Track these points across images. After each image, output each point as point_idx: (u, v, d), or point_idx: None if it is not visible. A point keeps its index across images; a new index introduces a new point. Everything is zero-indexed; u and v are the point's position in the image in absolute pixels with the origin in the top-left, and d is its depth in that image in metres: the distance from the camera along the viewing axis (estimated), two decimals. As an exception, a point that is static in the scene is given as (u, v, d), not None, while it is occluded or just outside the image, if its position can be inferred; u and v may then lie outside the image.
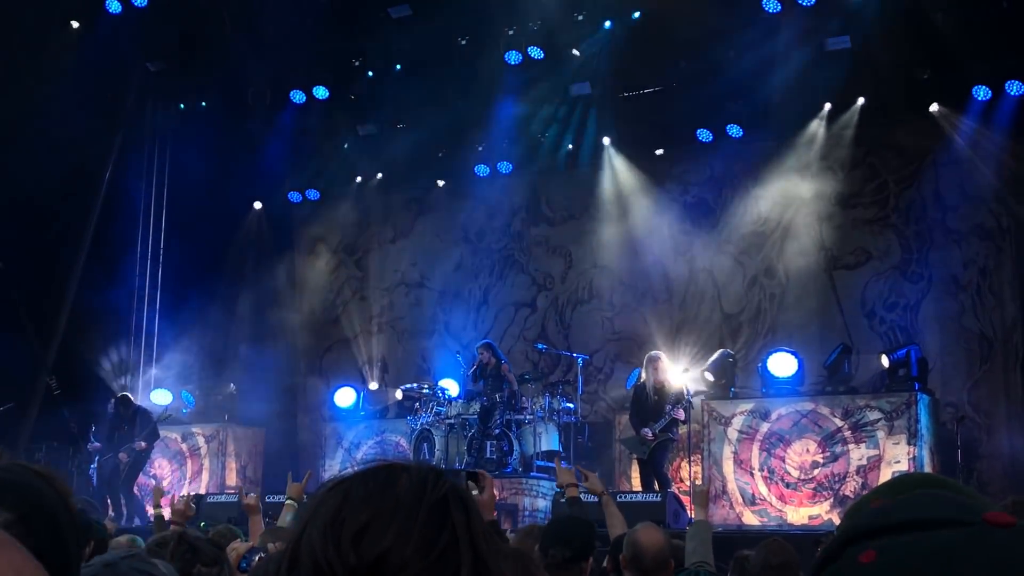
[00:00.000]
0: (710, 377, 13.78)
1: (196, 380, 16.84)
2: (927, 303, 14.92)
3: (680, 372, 13.51)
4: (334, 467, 15.21)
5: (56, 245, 16.21)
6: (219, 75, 16.47)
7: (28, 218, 15.29)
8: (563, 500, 7.39)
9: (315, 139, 17.56)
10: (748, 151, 15.93)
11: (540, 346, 15.88)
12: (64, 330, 16.47)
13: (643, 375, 12.71)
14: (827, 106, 15.31)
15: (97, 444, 14.50)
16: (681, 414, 12.44)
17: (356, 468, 1.39)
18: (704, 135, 15.83)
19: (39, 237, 15.61)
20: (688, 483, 13.25)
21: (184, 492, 14.57)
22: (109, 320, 17.12)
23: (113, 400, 15.07)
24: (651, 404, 12.44)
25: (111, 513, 13.38)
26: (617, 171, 16.77)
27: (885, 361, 13.52)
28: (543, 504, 12.80)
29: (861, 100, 15.11)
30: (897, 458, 12.33)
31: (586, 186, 17.07)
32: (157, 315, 17.53)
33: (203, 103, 17.31)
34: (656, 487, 12.07)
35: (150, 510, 10.89)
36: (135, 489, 14.63)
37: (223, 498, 13.29)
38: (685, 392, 12.74)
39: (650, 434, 12.19)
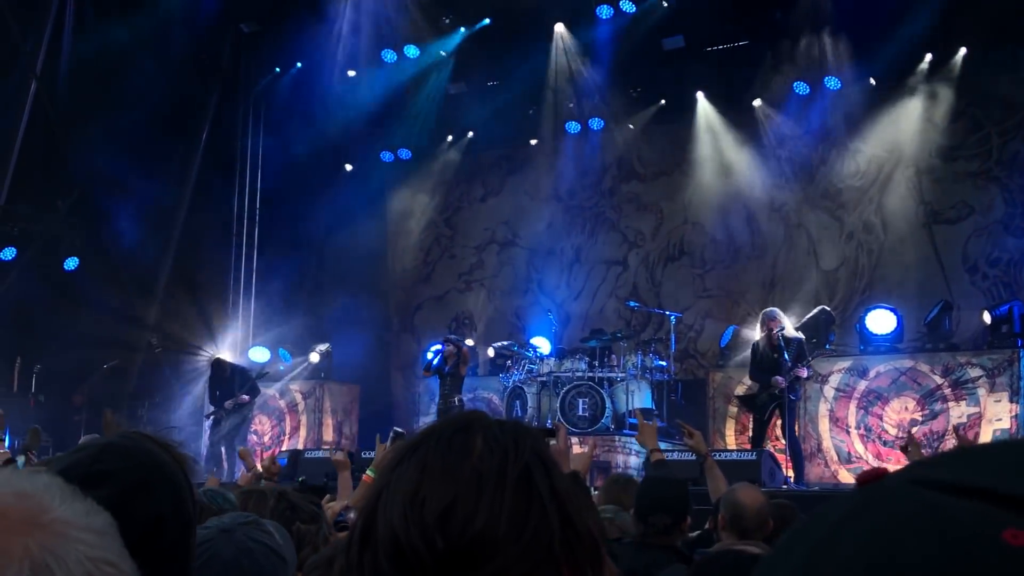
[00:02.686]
0: (801, 336, 13.51)
1: (293, 338, 17.10)
2: (1032, 258, 14.52)
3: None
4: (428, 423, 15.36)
5: (156, 204, 16.52)
6: (312, 36, 16.57)
7: (129, 179, 15.59)
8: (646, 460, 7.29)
9: (406, 98, 17.60)
10: (846, 103, 15.58)
11: (632, 304, 15.78)
12: (164, 288, 16.82)
13: (759, 333, 12.28)
14: (928, 56, 14.90)
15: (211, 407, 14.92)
16: (804, 372, 11.85)
17: (424, 426, 1.34)
18: (801, 88, 15.52)
19: (139, 196, 15.92)
20: (783, 441, 13.10)
21: (283, 447, 14.92)
22: (208, 279, 17.45)
23: (209, 365, 15.38)
24: (768, 363, 11.90)
25: (214, 469, 13.71)
26: (710, 126, 16.54)
27: (987, 317, 13.17)
28: (636, 461, 12.79)
29: (963, 50, 14.67)
30: (999, 416, 12.07)
31: (678, 141, 16.88)
32: (254, 274, 17.82)
33: (297, 63, 17.44)
34: (760, 445, 11.80)
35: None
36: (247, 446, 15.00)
37: (320, 454, 13.50)
38: (805, 350, 12.06)
39: (783, 382, 11.59)
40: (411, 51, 16.78)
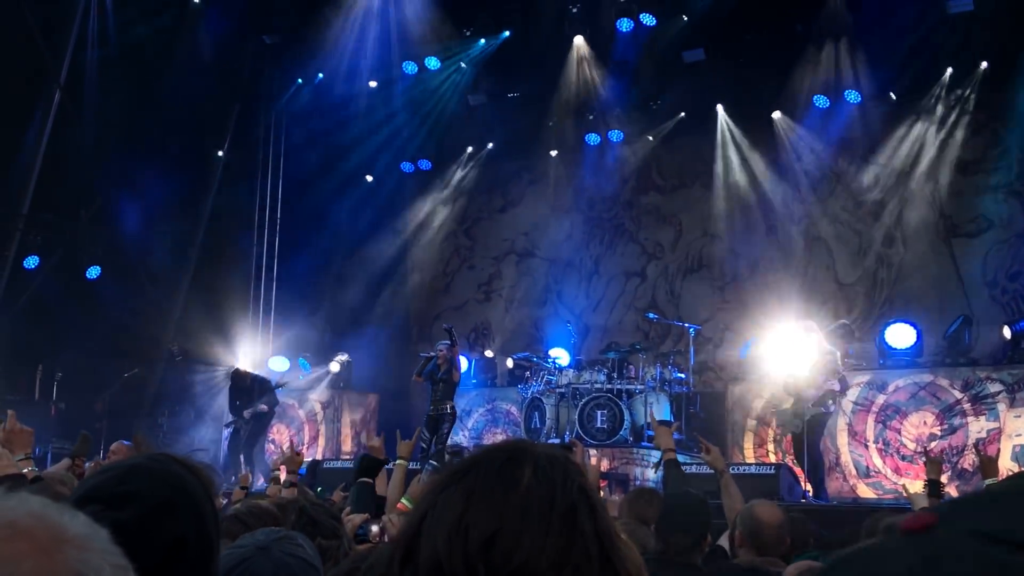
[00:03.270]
0: (834, 349, 13.30)
1: (312, 347, 17.14)
2: (1052, 273, 14.47)
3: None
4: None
5: (177, 215, 16.62)
6: (333, 47, 16.65)
7: (150, 189, 15.69)
8: (658, 463, 7.26)
9: (426, 109, 17.65)
10: (866, 117, 15.56)
11: (651, 315, 15.77)
12: (185, 297, 16.90)
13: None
14: (948, 70, 14.88)
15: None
16: (836, 385, 11.37)
17: (473, 451, 1.35)
18: (821, 101, 15.50)
19: (160, 207, 16.01)
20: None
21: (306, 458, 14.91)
22: (228, 288, 17.51)
23: (229, 375, 15.39)
24: (804, 376, 11.50)
25: (232, 479, 13.74)
26: (730, 138, 16.55)
27: (1007, 332, 13.12)
28: (654, 474, 12.76)
29: (984, 64, 14.65)
30: (1018, 431, 12.02)
31: (698, 154, 16.89)
32: (274, 283, 17.89)
33: (319, 74, 17.51)
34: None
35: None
36: (264, 455, 15.04)
37: (338, 464, 13.53)
38: (837, 361, 11.59)
39: (814, 395, 11.31)
40: (432, 63, 16.83)
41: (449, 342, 12.98)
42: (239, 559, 2.28)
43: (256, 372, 15.57)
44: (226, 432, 15.21)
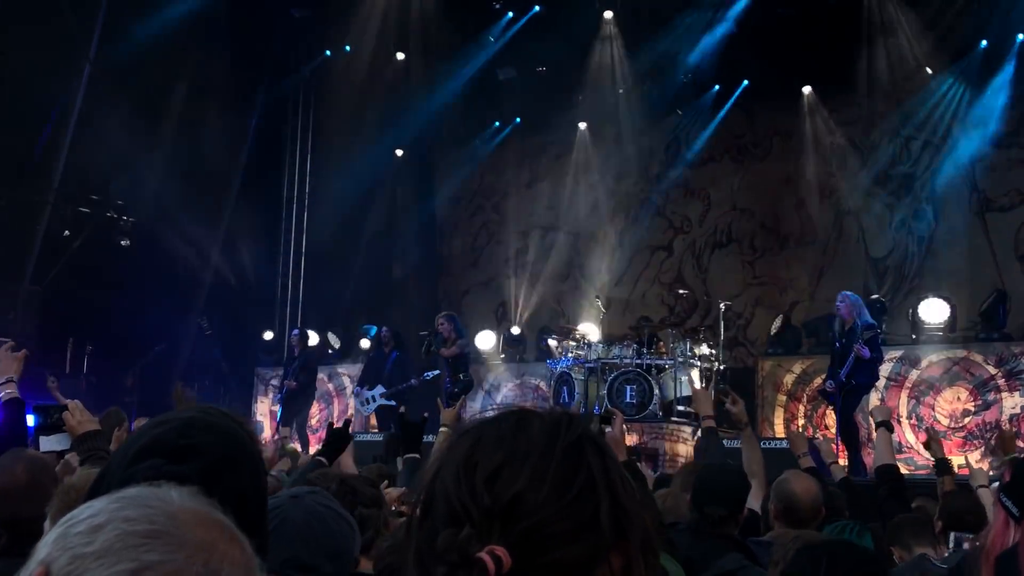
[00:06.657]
0: (871, 321, 13.04)
1: (341, 322, 17.15)
2: (1087, 247, 14.32)
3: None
4: (475, 409, 15.34)
5: (205, 187, 16.62)
6: (362, 19, 16.58)
7: (179, 163, 15.71)
8: (698, 428, 7.29)
9: (455, 83, 17.56)
10: (897, 89, 15.39)
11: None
12: (214, 271, 16.94)
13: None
14: (983, 42, 14.70)
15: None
16: (865, 352, 10.96)
17: (487, 414, 1.37)
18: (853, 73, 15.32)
19: (189, 180, 16.01)
20: (833, 430, 13.00)
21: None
22: (257, 262, 17.55)
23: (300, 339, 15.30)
24: (839, 348, 11.27)
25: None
26: (760, 111, 16.42)
27: (1042, 307, 13.01)
28: (684, 449, 12.73)
29: (1020, 36, 14.47)
30: (1053, 407, 11.94)
31: (727, 127, 16.76)
32: (303, 258, 17.91)
33: (347, 47, 17.44)
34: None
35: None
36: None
37: (368, 437, 13.54)
38: (859, 327, 11.11)
39: (830, 385, 11.26)
40: (460, 35, 16.72)
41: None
42: (272, 506, 2.36)
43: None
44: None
